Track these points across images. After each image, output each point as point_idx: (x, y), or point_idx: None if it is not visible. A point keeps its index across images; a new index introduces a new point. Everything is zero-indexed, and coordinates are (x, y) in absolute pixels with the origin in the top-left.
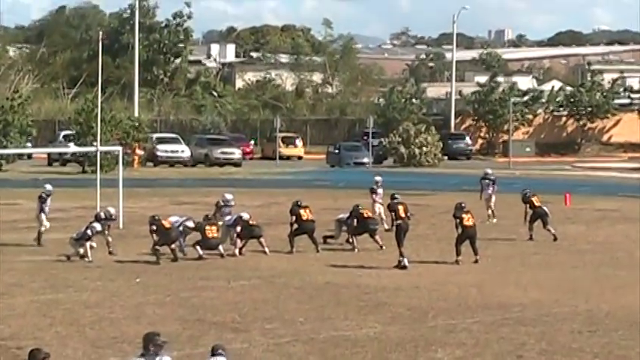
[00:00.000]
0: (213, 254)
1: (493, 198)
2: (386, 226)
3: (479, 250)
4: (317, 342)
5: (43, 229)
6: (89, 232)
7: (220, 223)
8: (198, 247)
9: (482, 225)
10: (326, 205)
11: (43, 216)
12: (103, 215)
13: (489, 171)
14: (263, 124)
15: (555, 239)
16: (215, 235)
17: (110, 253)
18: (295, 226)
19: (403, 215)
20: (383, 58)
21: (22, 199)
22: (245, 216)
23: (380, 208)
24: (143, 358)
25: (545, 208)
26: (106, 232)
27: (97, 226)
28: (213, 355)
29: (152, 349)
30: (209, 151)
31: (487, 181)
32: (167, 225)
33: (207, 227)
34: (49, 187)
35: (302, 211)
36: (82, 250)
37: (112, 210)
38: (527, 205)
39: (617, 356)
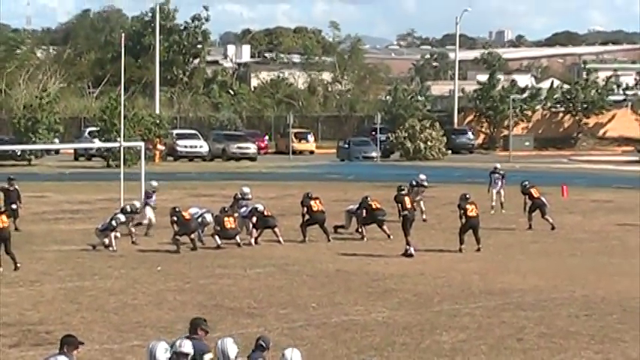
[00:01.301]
0: (230, 244)
1: (502, 192)
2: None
3: (481, 239)
4: (328, 326)
5: (145, 221)
6: (113, 223)
7: (237, 214)
8: (216, 237)
9: (485, 215)
10: (336, 196)
11: (147, 210)
12: (128, 209)
13: (499, 166)
14: (277, 121)
15: (553, 228)
16: (232, 225)
17: (133, 243)
18: (307, 216)
19: (409, 206)
20: (390, 58)
21: (49, 191)
22: (260, 207)
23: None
24: (189, 340)
25: (543, 199)
26: (130, 224)
27: (122, 218)
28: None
29: (200, 333)
30: (226, 146)
31: (497, 175)
32: (187, 216)
33: (225, 218)
34: (154, 183)
35: (313, 203)
36: (106, 240)
37: (137, 204)
38: (527, 197)
39: (611, 339)
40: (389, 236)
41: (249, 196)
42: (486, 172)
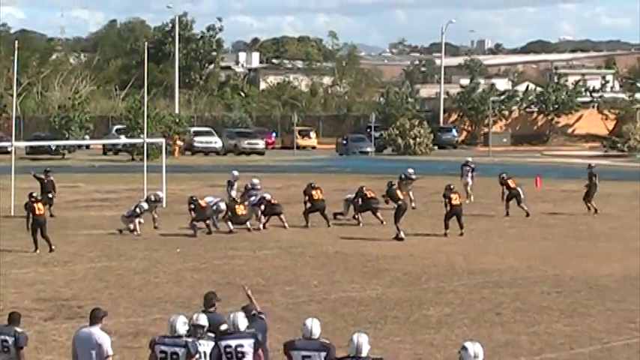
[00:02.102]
0: (241, 229)
1: (470, 182)
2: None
3: (464, 224)
4: (328, 302)
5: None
6: (137, 210)
7: (247, 202)
8: (229, 223)
9: (466, 204)
10: (335, 186)
11: (233, 194)
12: (152, 198)
13: (470, 159)
14: (283, 119)
15: (527, 215)
16: (243, 212)
17: (155, 227)
18: (309, 204)
19: (401, 197)
20: (383, 64)
21: (81, 182)
22: (267, 196)
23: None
24: (204, 314)
25: (519, 189)
26: (153, 211)
27: (145, 205)
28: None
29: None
30: (237, 142)
31: (467, 167)
32: (203, 204)
33: (237, 206)
34: (236, 173)
35: (314, 192)
36: (131, 226)
37: (160, 193)
38: (504, 187)
39: (579, 313)
40: (382, 222)
41: (259, 187)
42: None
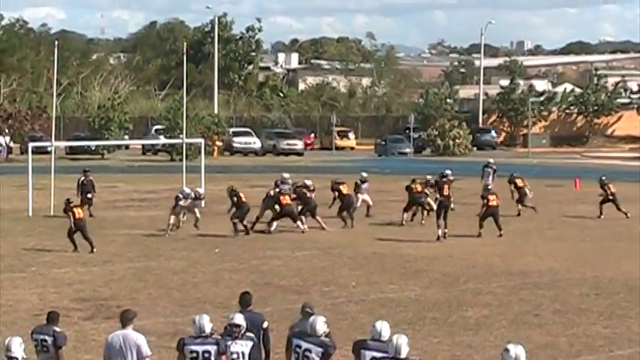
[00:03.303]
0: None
1: (491, 184)
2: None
3: (502, 225)
4: (367, 302)
5: (358, 204)
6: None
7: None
8: (274, 223)
9: (505, 204)
10: (374, 187)
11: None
12: (193, 195)
13: (491, 160)
14: (321, 120)
15: (519, 214)
16: (289, 201)
17: (196, 227)
18: (338, 201)
19: (446, 193)
20: (422, 65)
21: (120, 182)
22: (308, 182)
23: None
24: (240, 314)
25: (526, 188)
26: (196, 209)
27: (187, 190)
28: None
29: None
30: (276, 143)
31: (489, 169)
32: (243, 198)
33: (281, 197)
34: (364, 174)
35: (341, 187)
36: (172, 220)
37: (200, 190)
38: (512, 185)
39: (618, 315)
40: (428, 211)
41: (290, 181)
42: (507, 166)
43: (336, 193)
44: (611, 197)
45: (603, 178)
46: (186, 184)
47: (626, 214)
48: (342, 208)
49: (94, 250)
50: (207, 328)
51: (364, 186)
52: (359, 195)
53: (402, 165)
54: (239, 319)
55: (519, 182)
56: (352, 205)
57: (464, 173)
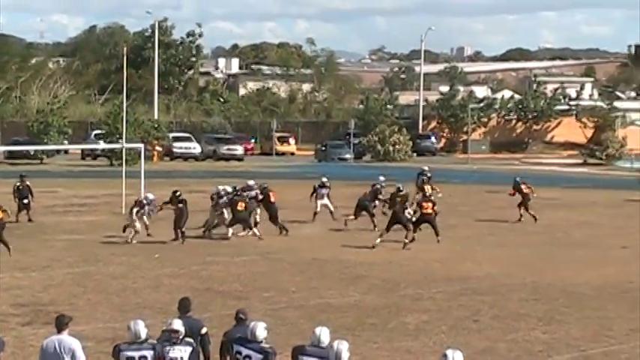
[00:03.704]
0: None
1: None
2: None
3: (440, 231)
4: (306, 308)
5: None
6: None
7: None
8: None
9: (446, 210)
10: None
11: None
12: (145, 201)
13: (426, 168)
14: (262, 126)
15: (520, 219)
16: (243, 209)
17: (148, 234)
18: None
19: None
20: (362, 71)
21: (59, 187)
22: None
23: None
24: (179, 320)
25: (531, 194)
26: (146, 216)
27: (150, 196)
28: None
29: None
30: (216, 148)
31: (423, 177)
32: (240, 208)
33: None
34: (251, 182)
35: (271, 194)
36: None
37: (150, 196)
38: (518, 192)
39: (557, 320)
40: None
41: (255, 187)
42: (447, 172)
43: (262, 200)
44: (522, 198)
45: (517, 179)
46: (125, 189)
47: (534, 217)
48: (271, 217)
49: (10, 254)
50: (143, 333)
51: (323, 191)
52: (318, 200)
53: (342, 171)
54: (177, 324)
55: (524, 188)
56: (276, 213)
57: (403, 179)
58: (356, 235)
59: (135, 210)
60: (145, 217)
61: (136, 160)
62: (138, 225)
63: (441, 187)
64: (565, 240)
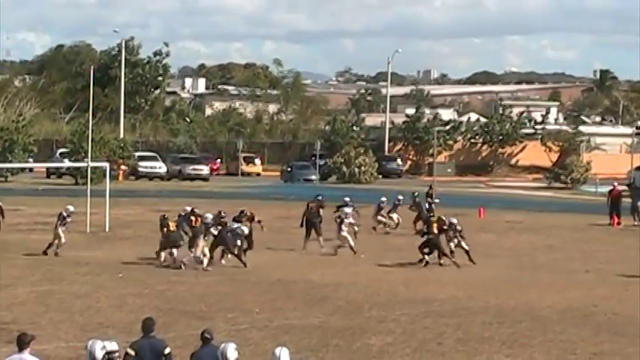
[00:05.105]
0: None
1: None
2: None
3: (405, 254)
4: (270, 329)
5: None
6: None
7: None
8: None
9: (408, 233)
10: (279, 214)
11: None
12: (64, 213)
13: (384, 199)
14: (228, 146)
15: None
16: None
17: (56, 254)
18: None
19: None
20: (329, 92)
21: (24, 205)
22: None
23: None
24: (144, 339)
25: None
26: (60, 228)
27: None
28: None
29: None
30: (182, 168)
31: (384, 204)
32: (172, 227)
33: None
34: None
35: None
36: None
37: (71, 207)
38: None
39: (521, 344)
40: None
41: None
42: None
43: (164, 230)
44: (416, 212)
45: (416, 194)
46: (90, 207)
47: (417, 230)
48: (164, 246)
49: None
50: (99, 354)
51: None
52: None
53: (307, 192)
54: (113, 345)
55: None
56: (177, 242)
57: (369, 201)
58: (321, 257)
59: (58, 223)
60: (63, 229)
61: (101, 178)
62: (63, 236)
63: (406, 211)
64: (529, 263)
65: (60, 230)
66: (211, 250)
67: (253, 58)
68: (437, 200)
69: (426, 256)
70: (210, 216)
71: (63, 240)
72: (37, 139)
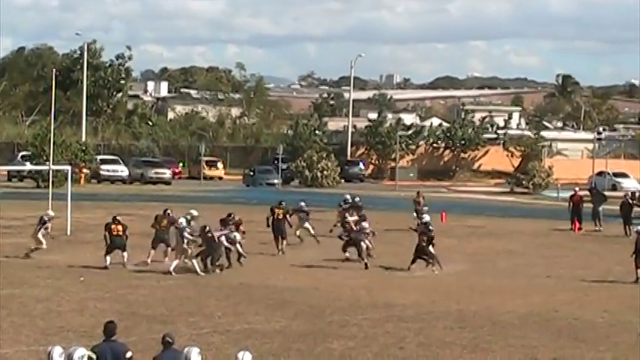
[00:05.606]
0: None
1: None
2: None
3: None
4: (232, 333)
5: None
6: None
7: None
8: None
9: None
10: (242, 218)
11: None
12: (45, 217)
13: (348, 197)
14: (190, 149)
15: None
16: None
17: (27, 255)
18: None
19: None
20: (292, 96)
21: None
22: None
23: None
24: (105, 343)
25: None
26: (39, 233)
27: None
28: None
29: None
30: (144, 171)
31: (347, 205)
32: (115, 232)
33: (113, 226)
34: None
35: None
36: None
37: (51, 213)
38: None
39: (482, 349)
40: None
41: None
42: (375, 199)
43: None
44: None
45: (357, 199)
46: (52, 211)
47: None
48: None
49: None
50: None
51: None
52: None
53: (269, 196)
54: (80, 351)
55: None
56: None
57: (331, 205)
58: (282, 261)
59: (38, 228)
60: (44, 232)
61: (62, 182)
62: (44, 242)
63: (369, 214)
64: (490, 268)
65: (40, 235)
66: (203, 258)
67: (216, 62)
68: (425, 208)
69: (418, 260)
70: (184, 220)
71: (44, 245)
72: None
